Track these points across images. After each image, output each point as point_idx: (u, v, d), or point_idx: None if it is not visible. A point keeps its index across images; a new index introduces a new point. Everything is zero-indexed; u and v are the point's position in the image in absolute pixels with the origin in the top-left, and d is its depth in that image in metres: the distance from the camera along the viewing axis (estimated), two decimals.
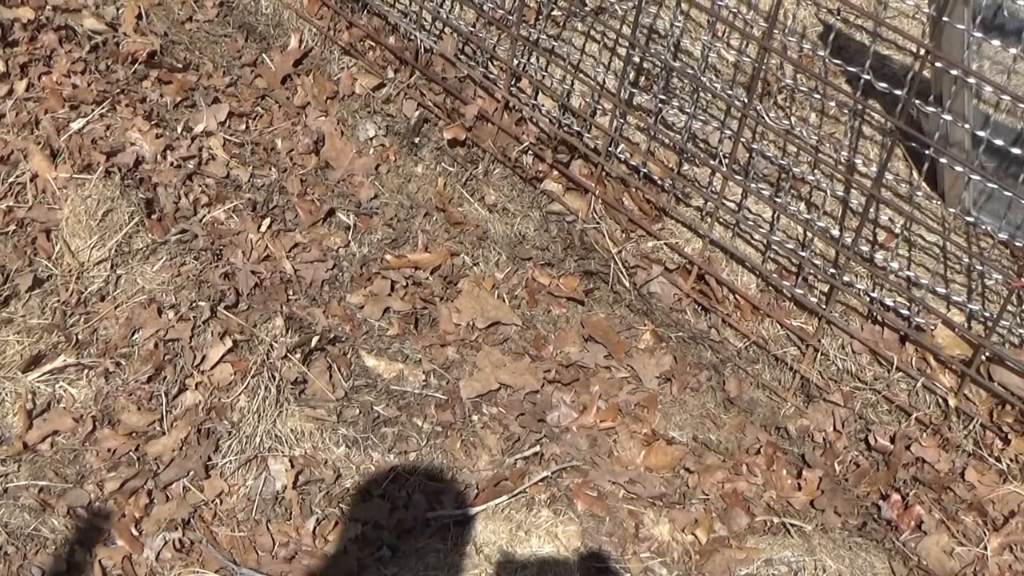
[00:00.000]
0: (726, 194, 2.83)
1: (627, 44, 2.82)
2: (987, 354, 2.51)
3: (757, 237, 2.81)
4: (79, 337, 2.52)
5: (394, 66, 3.24)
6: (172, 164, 2.86)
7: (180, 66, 3.13)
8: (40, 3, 3.14)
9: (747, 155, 2.89)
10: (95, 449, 2.36)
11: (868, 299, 2.66)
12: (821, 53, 2.71)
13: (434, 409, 2.55)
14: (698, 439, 2.58)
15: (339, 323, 2.67)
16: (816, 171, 2.85)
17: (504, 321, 2.74)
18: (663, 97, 2.91)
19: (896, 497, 2.46)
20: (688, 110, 2.85)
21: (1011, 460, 2.46)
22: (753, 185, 2.76)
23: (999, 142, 2.47)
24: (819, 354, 2.66)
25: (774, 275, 2.75)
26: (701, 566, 2.31)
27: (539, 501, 2.37)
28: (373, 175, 3.01)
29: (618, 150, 2.95)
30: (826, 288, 2.69)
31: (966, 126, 2.51)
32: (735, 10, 3.01)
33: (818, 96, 2.94)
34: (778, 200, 2.75)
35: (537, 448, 2.48)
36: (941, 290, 2.65)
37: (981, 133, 2.49)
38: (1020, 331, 2.55)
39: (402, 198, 2.98)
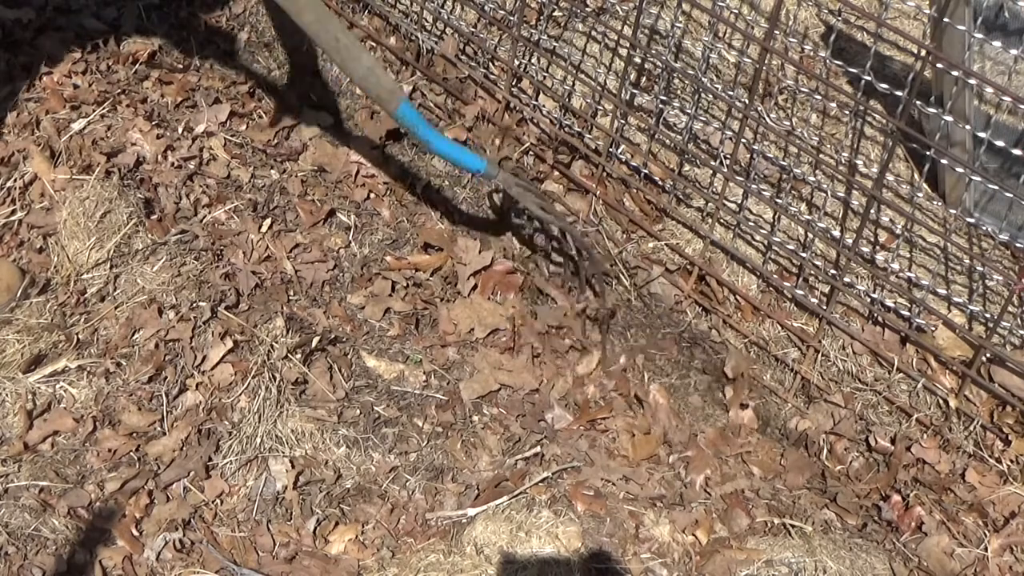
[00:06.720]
0: (727, 195, 2.83)
1: (628, 45, 2.82)
2: (988, 355, 2.51)
3: (758, 238, 2.81)
4: (79, 337, 2.52)
5: (395, 67, 3.24)
6: (173, 164, 2.86)
7: (181, 66, 3.13)
8: (41, 3, 3.14)
9: (748, 156, 2.89)
10: (96, 449, 2.36)
11: (869, 300, 2.66)
12: (822, 54, 2.71)
13: (435, 410, 2.55)
14: (699, 440, 2.58)
15: (340, 324, 2.67)
16: (817, 172, 2.84)
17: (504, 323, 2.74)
18: (664, 98, 2.91)
19: (897, 498, 2.45)
20: (689, 111, 2.85)
21: (1012, 461, 2.46)
22: (754, 186, 2.76)
23: (1000, 143, 2.47)
24: (820, 355, 2.65)
25: (775, 276, 2.75)
26: (702, 567, 2.31)
27: (539, 502, 2.37)
28: None
29: (619, 151, 2.95)
30: (827, 289, 2.69)
31: (967, 127, 2.51)
32: (736, 11, 3.01)
33: (819, 97, 2.94)
34: (779, 201, 2.75)
35: (538, 449, 2.48)
36: (942, 291, 2.65)
37: (982, 134, 2.49)
38: (1021, 332, 2.55)
39: None
